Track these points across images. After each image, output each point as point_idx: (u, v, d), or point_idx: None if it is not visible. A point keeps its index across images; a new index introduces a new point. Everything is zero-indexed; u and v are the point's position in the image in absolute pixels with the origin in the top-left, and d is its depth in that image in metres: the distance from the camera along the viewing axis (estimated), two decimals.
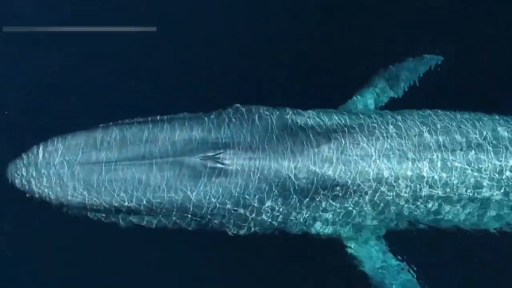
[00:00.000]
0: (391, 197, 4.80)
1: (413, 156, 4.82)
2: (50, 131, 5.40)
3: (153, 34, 6.24)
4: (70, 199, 4.66)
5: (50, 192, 4.67)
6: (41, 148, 4.77)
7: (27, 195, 4.75)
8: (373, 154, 4.77)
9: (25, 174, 4.71)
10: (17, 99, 6.11)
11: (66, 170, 4.65)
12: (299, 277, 5.43)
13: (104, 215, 4.75)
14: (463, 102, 5.44)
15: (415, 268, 5.02)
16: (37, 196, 4.71)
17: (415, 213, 4.91)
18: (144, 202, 4.61)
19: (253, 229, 4.81)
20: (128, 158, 4.64)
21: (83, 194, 4.62)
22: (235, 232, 4.81)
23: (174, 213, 4.68)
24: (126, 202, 4.61)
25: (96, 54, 6.26)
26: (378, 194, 4.78)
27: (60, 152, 4.70)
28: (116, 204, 4.63)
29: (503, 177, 4.92)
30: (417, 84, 5.83)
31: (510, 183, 4.94)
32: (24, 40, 6.26)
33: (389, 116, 5.09)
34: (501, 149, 4.98)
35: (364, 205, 4.80)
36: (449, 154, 4.86)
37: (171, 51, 6.32)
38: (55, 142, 4.77)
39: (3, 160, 4.92)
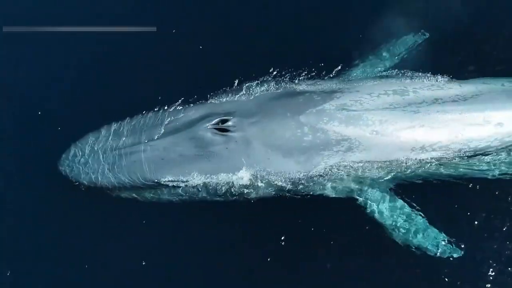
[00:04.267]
0: (396, 149, 4.85)
1: (414, 109, 4.85)
2: (50, 131, 5.45)
3: (153, 34, 6.26)
4: (117, 182, 5.01)
5: (98, 178, 5.02)
6: (85, 139, 5.18)
7: (77, 183, 5.08)
8: (375, 109, 4.84)
9: (74, 164, 5.09)
10: (17, 99, 6.13)
11: (105, 157, 5.04)
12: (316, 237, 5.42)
13: (148, 192, 5.09)
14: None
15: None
16: (87, 183, 5.07)
17: (419, 164, 4.93)
18: (166, 177, 4.91)
19: (263, 192, 4.93)
20: (145, 140, 5.01)
21: (123, 176, 4.98)
22: (251, 196, 4.94)
23: (195, 184, 4.90)
24: (157, 178, 4.93)
25: (96, 54, 6.28)
26: (382, 147, 4.83)
27: (100, 141, 5.14)
28: (149, 182, 4.96)
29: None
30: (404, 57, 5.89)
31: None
32: (24, 40, 6.28)
33: (386, 78, 5.25)
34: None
35: (371, 158, 4.86)
36: (447, 107, 4.88)
37: (171, 51, 6.32)
38: (99, 132, 5.21)
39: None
